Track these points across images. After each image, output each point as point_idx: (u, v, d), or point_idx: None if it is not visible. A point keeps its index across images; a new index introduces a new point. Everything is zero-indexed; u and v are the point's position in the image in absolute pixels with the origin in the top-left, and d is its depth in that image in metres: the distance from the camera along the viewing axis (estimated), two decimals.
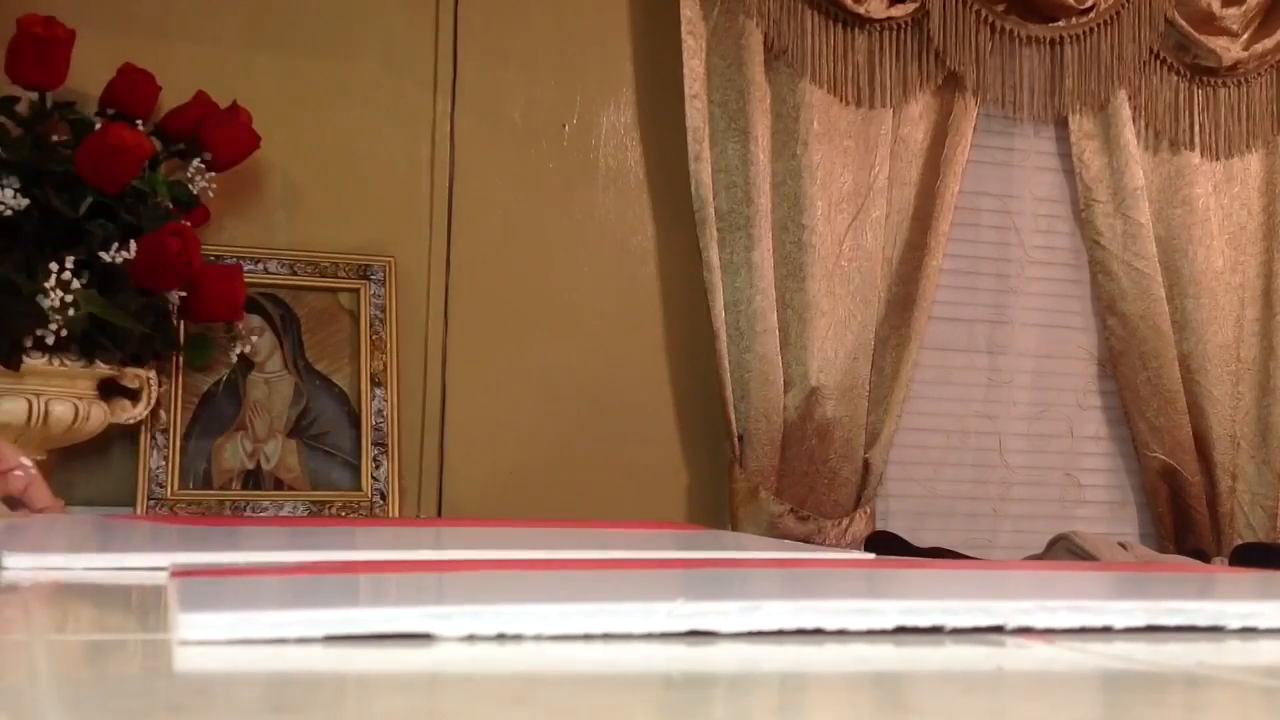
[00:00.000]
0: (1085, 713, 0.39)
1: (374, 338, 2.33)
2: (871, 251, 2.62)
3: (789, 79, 2.58)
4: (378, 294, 2.36)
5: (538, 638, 0.45)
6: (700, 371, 2.54)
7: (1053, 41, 2.75)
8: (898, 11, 2.64)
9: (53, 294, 1.89)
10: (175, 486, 2.17)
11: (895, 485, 2.72)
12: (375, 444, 2.28)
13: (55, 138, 2.04)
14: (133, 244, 1.97)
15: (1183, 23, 2.81)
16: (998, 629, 0.48)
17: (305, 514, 2.22)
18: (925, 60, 2.67)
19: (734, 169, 2.53)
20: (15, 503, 1.11)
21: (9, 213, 1.92)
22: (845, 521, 2.57)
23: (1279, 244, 2.88)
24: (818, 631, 0.47)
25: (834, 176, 2.60)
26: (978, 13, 2.69)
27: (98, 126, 2.03)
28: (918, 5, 2.65)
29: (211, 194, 2.16)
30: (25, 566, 0.73)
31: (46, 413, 1.95)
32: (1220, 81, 2.86)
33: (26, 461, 1.12)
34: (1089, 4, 2.75)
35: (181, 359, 2.20)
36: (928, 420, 2.75)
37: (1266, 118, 2.89)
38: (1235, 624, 0.51)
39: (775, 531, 2.47)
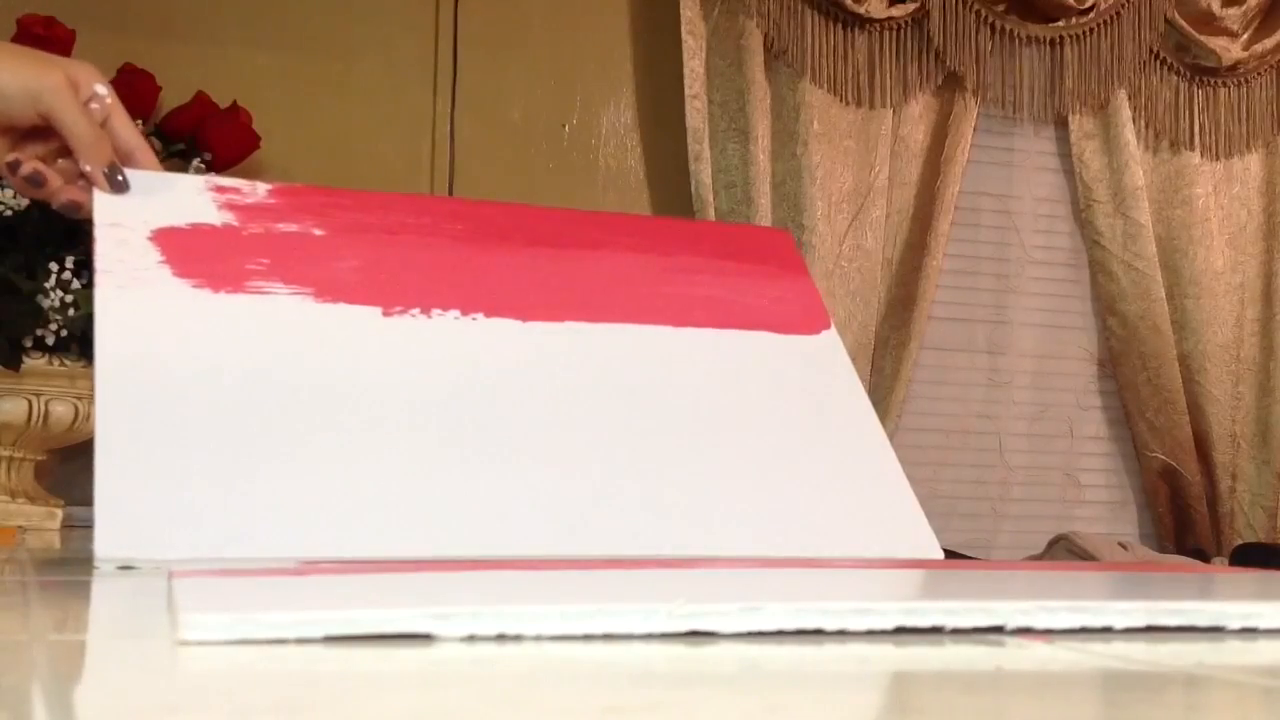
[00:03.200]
0: (1085, 713, 0.39)
1: None
2: (871, 251, 2.62)
3: (789, 79, 2.58)
4: None
5: (538, 638, 0.45)
6: None
7: (1053, 41, 2.75)
8: (898, 11, 2.64)
9: (53, 294, 1.89)
10: None
11: None
12: None
13: None
14: None
15: (1183, 23, 2.81)
16: (998, 629, 0.48)
17: None
18: (925, 60, 2.67)
19: (734, 169, 2.53)
20: (39, 180, 0.89)
21: (9, 213, 1.92)
22: None
23: (1279, 244, 2.88)
24: (818, 631, 0.47)
25: (834, 176, 2.60)
26: (978, 13, 2.69)
27: None
28: (918, 5, 2.65)
29: None
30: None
31: (46, 413, 1.95)
32: (1220, 81, 2.86)
33: (102, 89, 0.90)
34: (1089, 4, 2.75)
35: None
36: (928, 420, 2.75)
37: (1266, 118, 2.89)
38: (1235, 624, 0.51)
39: None
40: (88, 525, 0.78)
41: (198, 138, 2.15)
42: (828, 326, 1.00)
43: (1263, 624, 0.51)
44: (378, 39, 2.45)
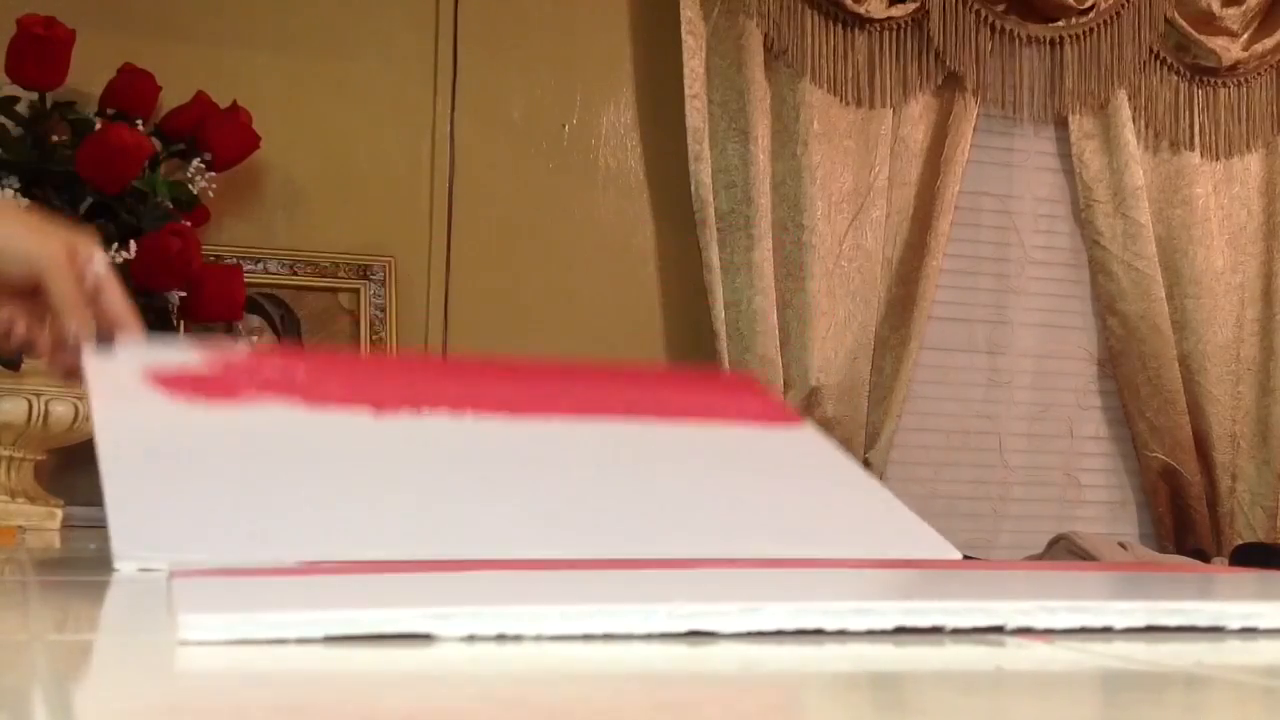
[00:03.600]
0: (1085, 713, 0.39)
1: (374, 338, 2.33)
2: (871, 251, 2.62)
3: (789, 79, 2.58)
4: (378, 294, 2.36)
5: (538, 638, 0.45)
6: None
7: (1053, 41, 2.75)
8: (898, 11, 2.64)
9: None
10: None
11: (895, 485, 2.72)
12: None
13: (55, 138, 2.04)
14: (133, 244, 1.97)
15: (1183, 23, 2.81)
16: (998, 629, 0.48)
17: None
18: (925, 60, 2.67)
19: (734, 169, 2.53)
20: (31, 343, 0.96)
21: None
22: None
23: (1279, 244, 2.88)
24: (818, 631, 0.47)
25: (834, 176, 2.60)
26: (978, 13, 2.69)
27: (98, 126, 2.03)
28: (918, 5, 2.65)
29: (211, 194, 2.16)
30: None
31: (46, 413, 1.95)
32: (1220, 81, 2.86)
33: (98, 261, 0.93)
34: (1089, 4, 2.75)
35: None
36: (928, 420, 2.75)
37: (1266, 118, 2.89)
38: (1235, 624, 0.51)
39: None
40: (88, 525, 0.78)
41: (198, 137, 2.15)
42: (804, 423, 1.07)
43: (1263, 624, 0.51)
44: (378, 38, 2.45)
